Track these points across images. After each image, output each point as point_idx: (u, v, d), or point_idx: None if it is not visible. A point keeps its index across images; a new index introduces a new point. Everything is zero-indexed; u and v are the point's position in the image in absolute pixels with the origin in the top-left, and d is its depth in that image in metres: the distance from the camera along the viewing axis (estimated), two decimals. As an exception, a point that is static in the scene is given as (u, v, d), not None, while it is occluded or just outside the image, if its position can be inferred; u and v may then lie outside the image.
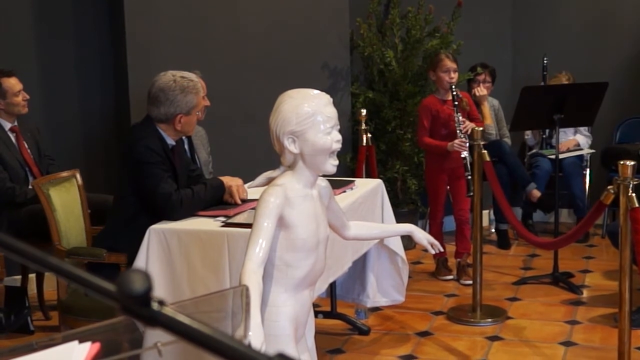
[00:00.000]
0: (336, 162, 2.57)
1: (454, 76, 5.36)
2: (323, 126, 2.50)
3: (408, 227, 3.09)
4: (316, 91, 2.56)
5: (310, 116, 2.49)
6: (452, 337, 4.49)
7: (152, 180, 3.58)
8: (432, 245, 3.03)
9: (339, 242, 3.12)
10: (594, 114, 5.54)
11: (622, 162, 3.51)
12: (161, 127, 3.74)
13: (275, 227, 2.47)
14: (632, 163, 3.50)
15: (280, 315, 2.53)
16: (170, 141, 3.76)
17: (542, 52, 6.47)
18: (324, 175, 2.62)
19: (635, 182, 3.50)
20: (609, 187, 3.61)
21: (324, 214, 2.63)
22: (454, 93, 5.29)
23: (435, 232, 5.51)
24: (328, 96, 2.57)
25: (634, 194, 3.48)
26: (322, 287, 3.52)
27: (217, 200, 3.76)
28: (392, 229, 3.39)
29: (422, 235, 3.02)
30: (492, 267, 5.67)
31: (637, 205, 3.46)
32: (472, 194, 4.97)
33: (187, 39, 5.50)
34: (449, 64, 5.37)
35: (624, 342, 3.54)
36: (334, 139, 2.53)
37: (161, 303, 0.81)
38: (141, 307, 0.80)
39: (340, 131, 2.57)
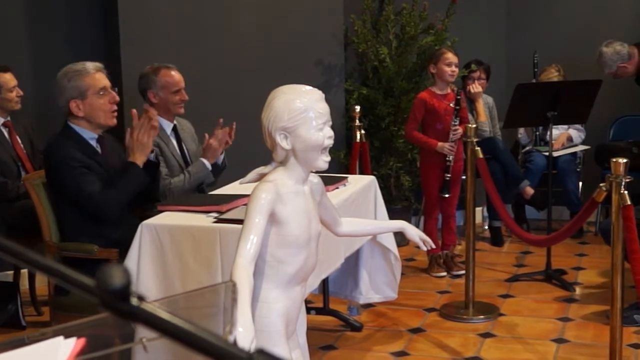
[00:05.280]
0: (328, 159, 2.56)
1: (456, 70, 5.43)
2: (315, 122, 2.49)
3: (400, 224, 3.09)
4: (308, 87, 2.56)
5: (302, 112, 2.48)
6: (445, 333, 4.50)
7: (74, 189, 3.66)
8: (424, 242, 3.03)
9: (331, 238, 3.12)
10: (587, 112, 5.54)
11: (614, 160, 3.51)
12: (74, 123, 3.80)
13: (267, 223, 2.46)
14: (625, 161, 3.51)
15: (271, 311, 2.52)
16: (91, 135, 3.81)
17: (537, 48, 6.48)
18: (316, 172, 2.61)
19: (627, 180, 3.50)
20: (601, 184, 3.62)
21: (315, 210, 2.63)
22: (458, 97, 5.37)
23: (431, 228, 5.54)
24: (320, 92, 2.56)
25: (626, 192, 3.48)
26: (314, 283, 3.52)
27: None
28: (384, 226, 3.39)
29: (414, 232, 3.03)
30: (485, 264, 5.68)
31: (629, 202, 3.46)
32: (447, 195, 5.38)
33: (180, 35, 5.49)
34: (452, 57, 5.42)
35: (615, 339, 3.55)
36: (326, 135, 2.52)
37: (140, 298, 0.81)
38: (120, 303, 0.79)
39: (333, 128, 2.56)
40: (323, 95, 2.56)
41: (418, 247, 3.03)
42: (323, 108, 2.53)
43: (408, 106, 5.89)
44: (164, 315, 0.79)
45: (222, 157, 4.53)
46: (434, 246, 3.21)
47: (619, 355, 3.55)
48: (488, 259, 5.88)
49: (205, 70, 5.53)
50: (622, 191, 3.48)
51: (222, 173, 4.59)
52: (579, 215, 4.06)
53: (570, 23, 6.87)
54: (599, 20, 6.77)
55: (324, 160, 2.54)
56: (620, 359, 3.57)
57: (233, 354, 0.77)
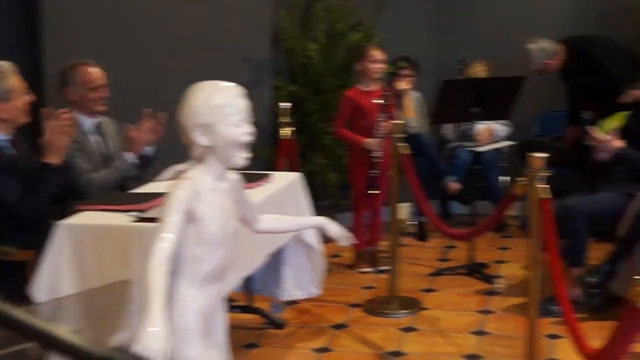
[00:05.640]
0: (247, 155, 2.55)
1: (382, 67, 5.51)
2: (233, 118, 2.50)
3: (320, 220, 3.12)
4: (227, 83, 2.56)
5: (220, 108, 2.48)
6: (368, 329, 4.53)
7: None
8: (344, 238, 3.05)
9: (252, 236, 3.10)
10: (511, 108, 5.63)
11: (531, 155, 3.56)
12: None
13: (184, 221, 2.45)
14: (542, 155, 3.55)
15: (188, 310, 2.51)
16: (2, 136, 3.76)
17: (465, 45, 6.56)
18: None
19: (546, 174, 3.55)
20: (519, 178, 3.67)
21: (233, 207, 2.63)
22: (385, 94, 5.44)
23: (358, 225, 5.60)
24: (239, 88, 2.56)
25: (543, 186, 3.53)
26: (234, 281, 3.50)
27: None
28: (304, 222, 3.40)
29: (334, 228, 3.05)
30: (409, 258, 5.73)
31: (546, 196, 3.51)
32: (374, 191, 5.38)
33: (105, 32, 5.43)
34: (378, 54, 5.48)
35: (532, 331, 3.61)
36: (245, 132, 2.52)
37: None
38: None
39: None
40: (242, 92, 2.56)
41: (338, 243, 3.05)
42: (242, 104, 2.54)
43: (336, 103, 5.91)
44: (13, 312, 0.77)
45: (151, 149, 4.47)
46: (354, 241, 3.23)
47: (535, 346, 3.62)
48: (413, 253, 5.93)
49: (130, 66, 5.47)
50: (539, 185, 3.53)
51: (151, 169, 4.53)
52: (498, 209, 4.13)
53: (496, 20, 6.95)
54: (525, 17, 6.86)
55: (242, 157, 2.54)
56: (537, 350, 3.63)
57: (85, 352, 0.76)
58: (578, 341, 2.99)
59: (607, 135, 4.70)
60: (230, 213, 2.60)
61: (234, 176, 2.67)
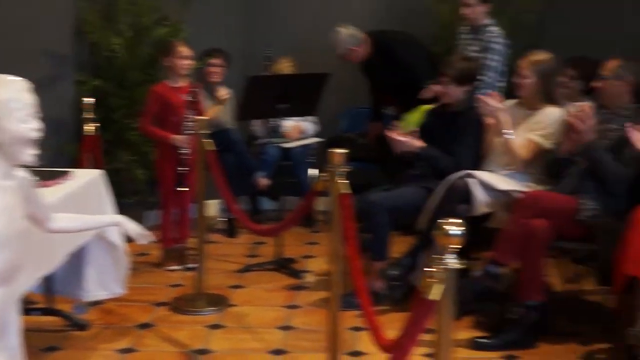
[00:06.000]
0: (34, 152, 2.48)
1: (189, 63, 5.46)
2: (19, 114, 2.42)
3: (116, 218, 3.11)
4: (13, 77, 2.48)
5: (5, 103, 2.39)
6: (174, 327, 4.48)
7: None
8: (143, 236, 3.03)
9: (48, 235, 2.99)
10: (316, 104, 5.70)
11: (331, 150, 3.62)
12: None
13: (-35, 222, 2.33)
14: (341, 151, 3.61)
15: (-28, 314, 2.39)
16: None
17: (272, 40, 6.59)
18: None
19: (346, 170, 3.61)
20: (321, 174, 3.72)
21: (20, 206, 2.52)
22: (193, 90, 5.39)
23: (166, 222, 5.55)
24: (26, 82, 2.48)
25: (343, 181, 3.58)
26: (28, 282, 3.36)
27: None
28: (100, 220, 3.30)
29: (131, 226, 3.05)
30: (218, 255, 5.71)
31: (345, 191, 3.57)
32: (182, 188, 5.34)
33: None
34: (184, 50, 5.43)
35: (334, 324, 3.66)
36: (32, 128, 2.44)
37: None
38: None
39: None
40: (29, 86, 2.49)
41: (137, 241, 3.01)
42: (29, 99, 2.47)
43: (142, 98, 5.80)
44: None
45: None
46: (153, 239, 3.19)
47: (338, 339, 3.67)
48: (221, 250, 5.91)
49: None
50: (339, 180, 3.59)
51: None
52: (301, 205, 4.17)
53: (303, 16, 7.03)
54: (331, 15, 6.95)
55: (29, 154, 2.47)
56: (340, 342, 3.69)
57: None
58: (375, 333, 3.05)
59: (407, 135, 4.84)
60: (17, 212, 2.50)
61: (22, 174, 2.58)
